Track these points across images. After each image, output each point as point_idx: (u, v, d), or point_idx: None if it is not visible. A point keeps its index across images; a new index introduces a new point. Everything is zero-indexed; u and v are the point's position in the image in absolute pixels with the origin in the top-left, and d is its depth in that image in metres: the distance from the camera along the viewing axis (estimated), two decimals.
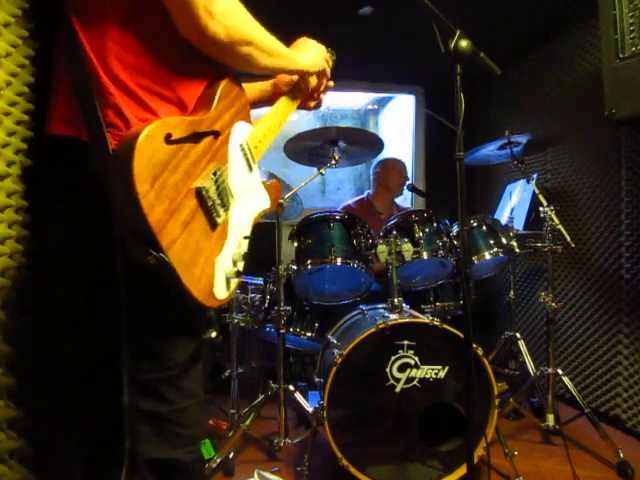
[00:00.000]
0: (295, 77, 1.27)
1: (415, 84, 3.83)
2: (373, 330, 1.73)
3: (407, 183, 3.10)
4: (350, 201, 3.18)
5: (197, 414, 0.98)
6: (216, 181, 0.90)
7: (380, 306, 2.12)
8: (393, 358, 1.74)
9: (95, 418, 1.02)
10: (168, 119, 0.84)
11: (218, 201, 0.90)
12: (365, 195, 3.18)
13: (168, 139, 0.79)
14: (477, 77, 2.30)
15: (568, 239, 2.09)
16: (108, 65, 0.86)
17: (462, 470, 1.71)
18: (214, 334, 0.94)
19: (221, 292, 0.91)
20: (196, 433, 0.99)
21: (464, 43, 1.20)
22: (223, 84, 0.98)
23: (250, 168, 1.05)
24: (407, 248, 2.01)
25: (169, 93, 0.91)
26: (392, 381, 1.74)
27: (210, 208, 0.88)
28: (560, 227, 2.10)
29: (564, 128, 2.71)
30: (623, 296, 2.33)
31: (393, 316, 1.87)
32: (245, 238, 1.01)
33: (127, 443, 0.90)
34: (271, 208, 1.15)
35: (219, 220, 0.90)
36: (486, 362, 1.75)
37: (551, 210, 2.12)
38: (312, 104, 1.35)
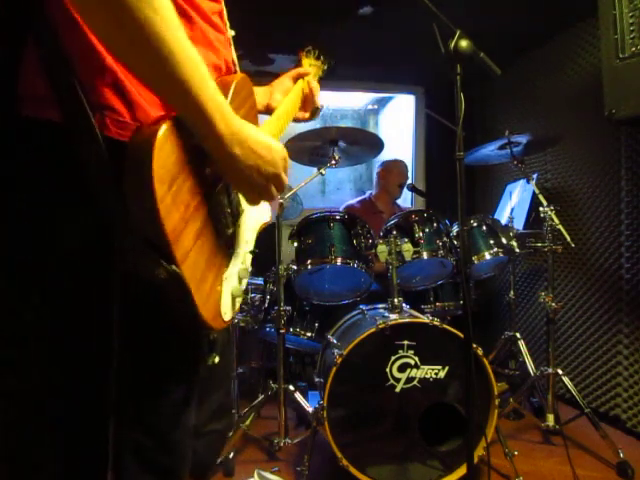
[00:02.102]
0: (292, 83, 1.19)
1: (415, 84, 3.83)
2: (373, 330, 1.73)
3: (407, 183, 3.11)
4: (353, 201, 3.21)
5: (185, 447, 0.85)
6: (227, 188, 0.81)
7: (380, 306, 2.12)
8: (393, 358, 1.74)
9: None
10: None
11: (229, 210, 0.82)
12: (367, 195, 3.22)
13: (189, 135, 0.68)
14: (477, 77, 2.29)
15: (568, 239, 2.09)
16: None
17: (462, 470, 1.71)
18: (217, 359, 0.83)
19: (228, 312, 0.82)
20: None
21: (464, 43, 1.20)
22: (237, 80, 0.85)
23: None
24: (407, 248, 2.01)
25: None
26: (392, 381, 1.74)
27: (221, 218, 0.79)
28: (560, 227, 2.10)
29: (564, 128, 2.71)
30: (623, 296, 2.33)
31: (393, 316, 1.87)
32: (250, 253, 0.93)
33: None
34: (268, 222, 1.07)
35: (228, 232, 0.82)
36: (486, 362, 1.75)
37: (551, 210, 2.12)
38: (306, 115, 1.28)
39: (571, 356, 2.66)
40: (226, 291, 0.81)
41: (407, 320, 1.81)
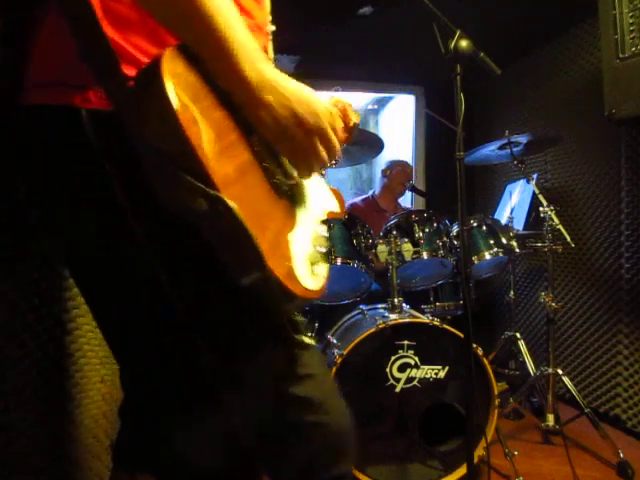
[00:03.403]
0: None
1: (415, 84, 3.83)
2: (373, 330, 1.73)
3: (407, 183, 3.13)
4: (357, 199, 3.24)
5: (338, 404, 0.82)
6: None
7: (380, 306, 2.12)
8: (393, 358, 1.74)
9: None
10: None
11: (276, 164, 0.72)
12: (370, 194, 3.25)
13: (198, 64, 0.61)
14: (477, 77, 2.29)
15: (568, 239, 2.09)
16: None
17: (462, 470, 1.71)
18: (311, 341, 0.73)
19: (306, 277, 0.68)
20: (345, 430, 0.83)
21: (464, 43, 1.20)
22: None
23: None
24: (407, 248, 2.01)
25: None
26: (392, 381, 1.74)
27: (271, 169, 0.70)
28: (560, 227, 2.10)
29: (564, 128, 2.71)
30: (623, 296, 2.33)
31: (393, 316, 1.87)
32: (322, 222, 0.84)
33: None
34: (339, 214, 0.99)
35: (283, 188, 0.73)
36: (486, 362, 1.75)
37: (551, 210, 2.12)
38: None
39: (571, 356, 2.66)
40: (298, 253, 0.70)
41: (407, 320, 1.81)
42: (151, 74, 0.55)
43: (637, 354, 2.25)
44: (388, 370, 1.74)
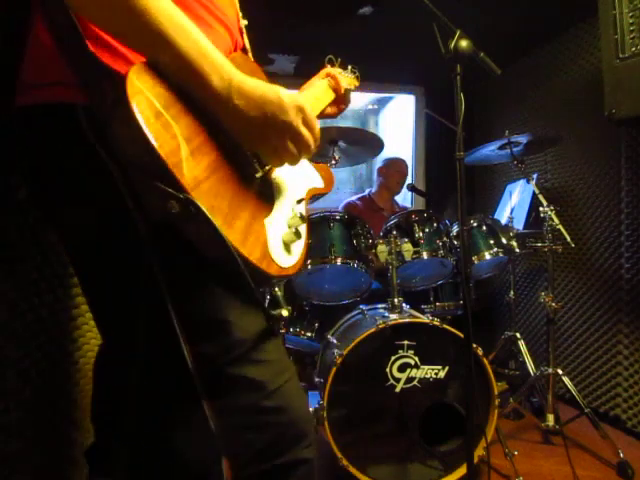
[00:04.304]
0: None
1: (415, 84, 3.83)
2: (373, 330, 1.73)
3: (407, 183, 3.12)
4: (353, 198, 3.22)
5: (297, 392, 0.79)
6: None
7: (380, 306, 2.12)
8: (393, 358, 1.74)
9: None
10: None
11: (249, 153, 0.76)
12: (367, 192, 3.23)
13: (162, 77, 0.64)
14: (477, 77, 2.29)
15: (568, 239, 2.09)
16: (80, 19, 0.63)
17: (462, 470, 1.71)
18: (285, 312, 0.75)
19: (282, 256, 0.75)
20: (304, 417, 0.79)
21: (464, 43, 1.20)
22: (233, 55, 0.86)
23: None
24: (407, 248, 2.01)
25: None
26: (392, 381, 1.74)
27: (241, 160, 0.73)
28: (560, 227, 2.10)
29: (564, 128, 2.71)
30: (623, 296, 2.33)
31: (393, 316, 1.87)
32: (298, 202, 0.88)
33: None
34: (326, 190, 1.02)
35: (257, 175, 0.76)
36: (486, 362, 1.75)
37: (551, 210, 2.12)
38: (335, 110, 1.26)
39: (571, 356, 2.66)
40: (273, 235, 0.76)
41: (407, 320, 1.81)
42: (118, 91, 0.59)
43: (637, 354, 2.25)
44: (388, 370, 1.74)
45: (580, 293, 2.63)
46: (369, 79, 3.69)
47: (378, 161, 3.24)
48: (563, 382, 2.13)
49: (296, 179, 0.92)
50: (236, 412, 0.73)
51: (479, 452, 1.71)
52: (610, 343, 2.40)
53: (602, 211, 2.50)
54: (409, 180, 3.31)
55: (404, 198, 3.57)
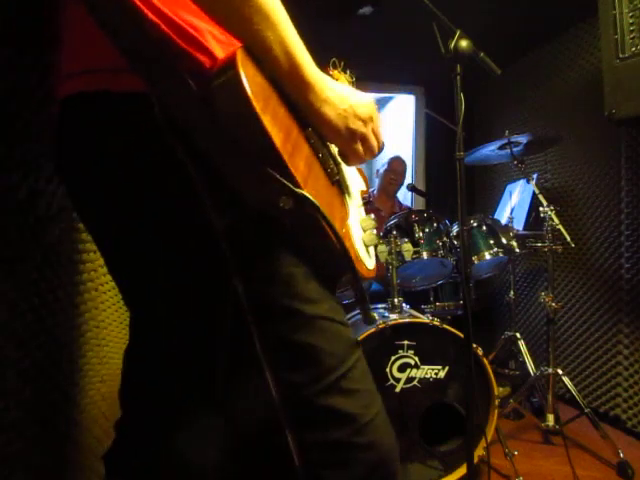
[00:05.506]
0: None
1: (415, 84, 3.83)
2: (373, 330, 1.73)
3: (407, 183, 3.12)
4: None
5: (386, 426, 0.75)
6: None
7: (380, 306, 2.12)
8: (393, 358, 1.74)
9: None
10: None
11: (327, 152, 0.73)
12: (369, 193, 3.23)
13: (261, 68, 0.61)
14: (477, 77, 2.29)
15: (568, 239, 2.09)
16: None
17: (462, 470, 1.71)
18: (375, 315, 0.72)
19: (367, 258, 0.73)
20: (393, 456, 0.75)
21: (464, 43, 1.20)
22: None
23: None
24: (407, 248, 2.01)
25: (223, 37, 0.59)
26: (392, 381, 1.74)
27: (324, 157, 0.71)
28: (560, 227, 2.10)
29: (564, 128, 2.71)
30: (623, 296, 2.33)
31: (393, 316, 1.87)
32: (361, 206, 0.87)
33: None
34: (366, 191, 1.01)
35: (336, 176, 0.74)
36: (486, 362, 1.75)
37: (551, 210, 2.12)
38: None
39: (571, 356, 2.66)
40: (357, 237, 0.74)
41: (407, 320, 1.81)
42: (228, 75, 0.56)
43: (637, 354, 2.25)
44: (388, 370, 1.74)
45: (580, 293, 2.63)
46: (369, 79, 3.73)
47: (378, 163, 3.24)
48: (563, 382, 2.13)
49: (353, 181, 0.91)
50: (326, 447, 0.67)
51: (479, 452, 1.71)
52: (610, 343, 2.40)
53: (602, 211, 2.50)
54: (409, 180, 3.31)
55: (404, 198, 3.57)
